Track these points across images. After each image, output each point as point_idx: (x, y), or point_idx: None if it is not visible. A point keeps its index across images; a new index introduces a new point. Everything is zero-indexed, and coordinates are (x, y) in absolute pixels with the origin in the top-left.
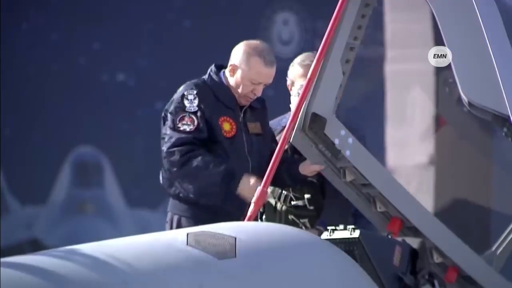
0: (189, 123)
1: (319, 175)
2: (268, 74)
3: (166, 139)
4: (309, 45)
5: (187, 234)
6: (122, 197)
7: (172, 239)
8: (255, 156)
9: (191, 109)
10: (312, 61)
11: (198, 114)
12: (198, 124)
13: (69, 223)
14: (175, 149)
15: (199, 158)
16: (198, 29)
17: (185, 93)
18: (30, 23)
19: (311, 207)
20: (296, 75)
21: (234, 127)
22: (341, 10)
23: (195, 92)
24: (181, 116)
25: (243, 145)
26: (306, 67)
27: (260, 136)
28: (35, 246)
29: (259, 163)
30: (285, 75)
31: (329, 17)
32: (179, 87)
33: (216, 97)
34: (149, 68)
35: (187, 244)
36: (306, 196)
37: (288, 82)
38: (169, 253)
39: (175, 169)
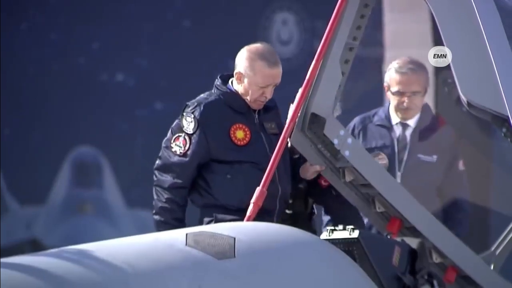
0: (181, 145)
1: (305, 181)
2: (274, 74)
3: (160, 153)
4: (308, 45)
5: (186, 235)
6: (122, 197)
7: (171, 239)
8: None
9: (188, 131)
10: (410, 68)
11: (193, 137)
12: (187, 150)
13: (68, 223)
14: (156, 172)
15: (159, 204)
16: (198, 29)
17: (185, 113)
18: (30, 23)
19: (289, 211)
20: (393, 81)
21: (248, 132)
22: (340, 10)
23: (192, 116)
24: (177, 135)
25: (264, 147)
26: (403, 75)
27: (278, 136)
28: (34, 246)
29: (283, 163)
30: (285, 75)
31: (328, 17)
32: (178, 87)
33: (227, 105)
34: (148, 68)
35: (186, 244)
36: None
37: (385, 84)
38: (168, 253)
39: (154, 186)
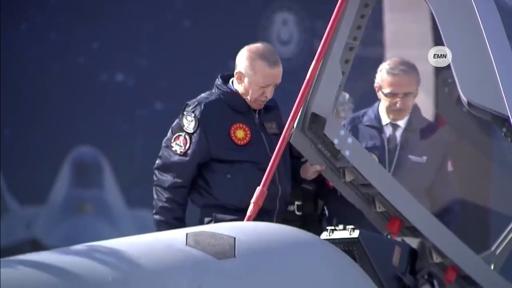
0: (181, 144)
1: (315, 183)
2: (274, 74)
3: (160, 153)
4: (308, 45)
5: (187, 234)
6: (122, 197)
7: (171, 239)
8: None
9: (188, 130)
10: (402, 69)
11: (194, 136)
12: (187, 149)
13: (68, 223)
14: (156, 171)
15: (159, 204)
16: (198, 29)
17: (185, 113)
18: (30, 23)
19: (299, 213)
20: (385, 82)
21: (248, 132)
22: (340, 10)
23: (193, 115)
24: (177, 134)
25: (264, 147)
26: (395, 76)
27: (278, 136)
28: (34, 246)
29: (284, 164)
30: (285, 75)
31: (328, 17)
32: (178, 87)
33: (227, 105)
34: (148, 68)
35: (186, 244)
36: (297, 202)
37: (376, 85)
38: (168, 253)
39: (155, 186)
